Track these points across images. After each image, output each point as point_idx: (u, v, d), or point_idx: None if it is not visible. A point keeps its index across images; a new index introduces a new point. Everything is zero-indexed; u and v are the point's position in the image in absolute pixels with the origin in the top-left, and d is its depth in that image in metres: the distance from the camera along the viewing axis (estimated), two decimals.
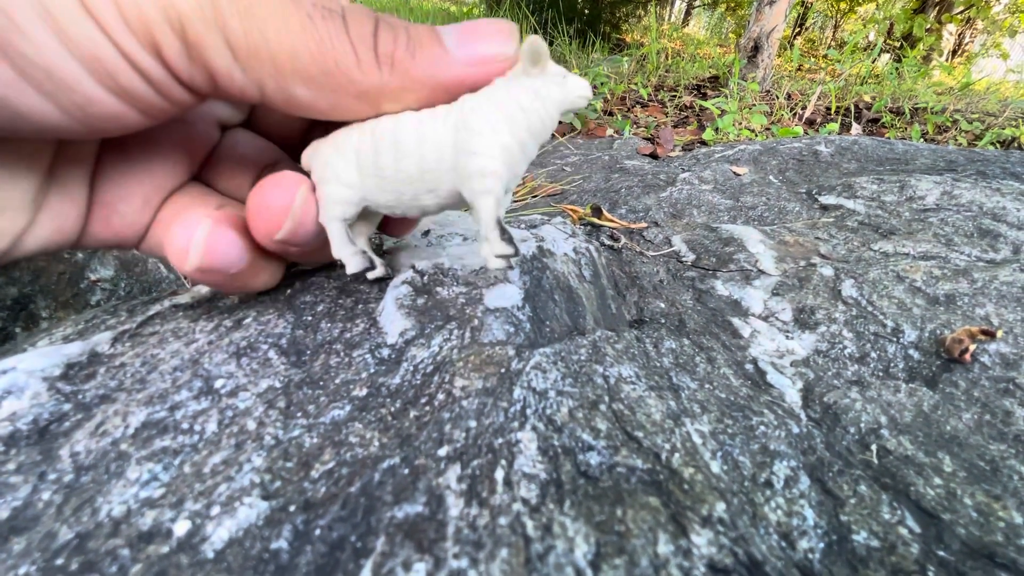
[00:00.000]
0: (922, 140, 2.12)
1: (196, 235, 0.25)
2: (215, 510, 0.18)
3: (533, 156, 0.26)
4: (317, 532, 0.17)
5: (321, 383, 0.25)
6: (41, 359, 0.27)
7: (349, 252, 0.28)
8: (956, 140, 2.12)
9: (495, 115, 0.24)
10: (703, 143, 1.76)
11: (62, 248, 0.27)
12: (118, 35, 0.20)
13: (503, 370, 0.24)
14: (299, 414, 0.23)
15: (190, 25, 0.20)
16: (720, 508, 0.20)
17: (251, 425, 0.22)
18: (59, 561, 0.18)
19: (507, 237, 0.25)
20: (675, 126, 2.08)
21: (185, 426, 0.23)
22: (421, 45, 0.24)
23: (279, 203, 0.26)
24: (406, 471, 0.19)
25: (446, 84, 0.24)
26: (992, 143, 2.04)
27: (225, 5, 0.20)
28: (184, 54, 0.21)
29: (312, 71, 0.22)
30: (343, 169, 0.26)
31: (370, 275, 0.30)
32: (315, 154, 0.27)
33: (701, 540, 0.18)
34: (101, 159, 0.27)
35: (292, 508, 0.18)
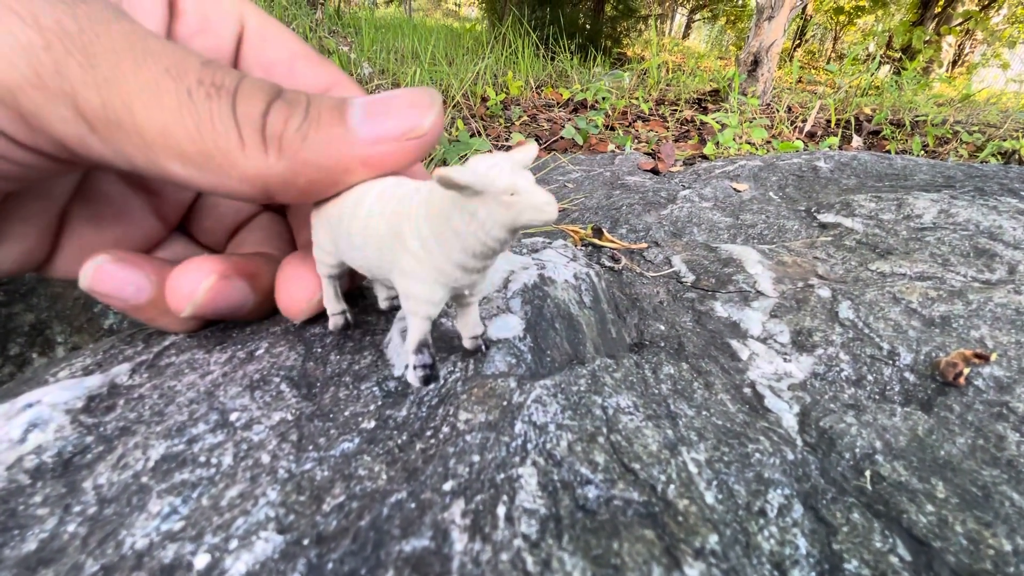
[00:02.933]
0: (923, 153, 2.13)
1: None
2: (233, 544, 0.19)
3: (492, 262, 0.23)
4: (330, 566, 0.18)
5: (331, 416, 0.26)
6: (64, 392, 0.29)
7: (331, 310, 0.30)
8: (957, 152, 2.13)
9: (427, 231, 0.22)
10: (704, 157, 1.78)
11: (21, 272, 0.30)
12: None
13: (505, 403, 0.26)
14: (310, 447, 0.24)
15: (22, 94, 0.19)
16: (713, 540, 0.21)
17: (265, 458, 0.24)
18: None
19: (421, 364, 0.25)
20: (676, 140, 2.11)
21: (202, 459, 0.24)
22: (318, 125, 0.22)
23: (183, 290, 0.28)
24: (413, 505, 0.20)
25: (346, 166, 0.23)
26: (993, 155, 2.05)
27: (76, 75, 0.19)
28: (18, 122, 0.20)
29: (188, 151, 0.21)
30: (322, 235, 0.27)
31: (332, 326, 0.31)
32: (314, 213, 0.28)
33: (694, 572, 0.19)
34: (72, 203, 0.30)
35: (306, 542, 0.19)
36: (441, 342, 0.30)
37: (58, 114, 0.20)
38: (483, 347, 0.29)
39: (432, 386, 0.27)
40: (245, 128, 0.21)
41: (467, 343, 0.29)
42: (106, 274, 0.27)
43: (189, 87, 0.20)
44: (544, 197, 0.19)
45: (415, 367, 0.26)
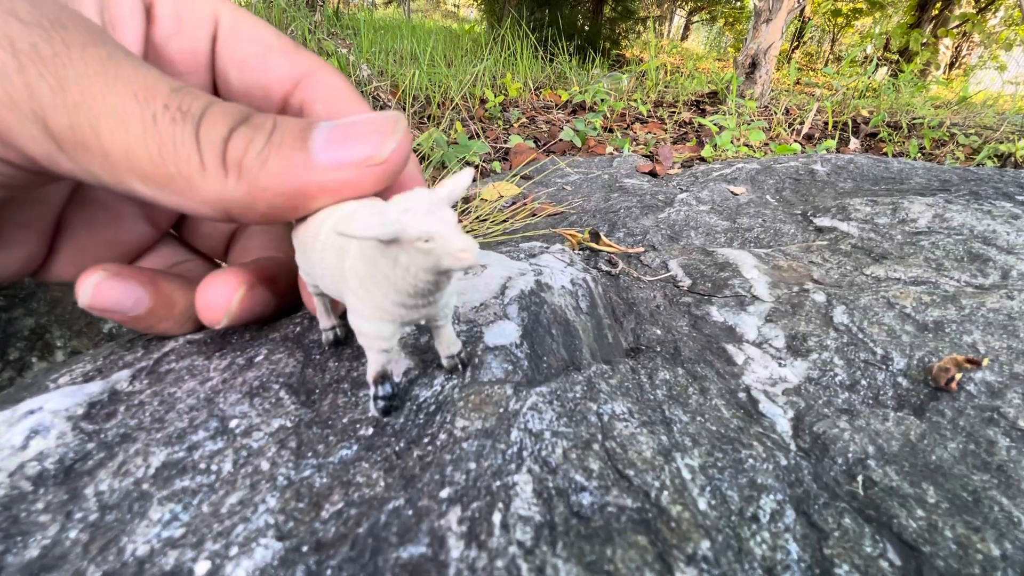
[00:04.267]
0: (920, 155, 2.14)
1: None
2: (233, 551, 0.20)
3: (436, 299, 0.23)
4: (328, 572, 0.19)
5: (330, 422, 0.26)
6: (65, 399, 0.29)
7: (322, 325, 0.31)
8: (953, 154, 2.14)
9: (363, 270, 0.21)
10: (702, 159, 1.78)
11: (21, 276, 0.31)
12: None
13: (501, 410, 0.26)
14: (309, 454, 0.25)
15: None
16: (705, 546, 0.21)
17: (265, 465, 0.24)
18: None
19: (382, 396, 0.25)
20: (674, 142, 2.11)
21: (203, 466, 0.24)
22: (279, 149, 0.22)
23: (217, 303, 0.29)
24: (410, 512, 0.21)
25: (304, 191, 0.23)
26: (989, 157, 2.06)
27: (47, 98, 0.20)
28: None
29: (151, 173, 0.21)
30: (298, 256, 0.27)
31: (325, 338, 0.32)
32: (293, 233, 0.28)
33: None
34: (67, 209, 0.31)
35: (305, 549, 0.20)
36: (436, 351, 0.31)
37: (27, 132, 0.21)
38: (460, 366, 0.29)
39: (392, 417, 0.27)
40: (206, 153, 0.22)
41: (444, 362, 0.28)
42: (105, 290, 0.28)
43: (155, 112, 0.21)
44: (461, 243, 0.18)
45: (375, 398, 0.25)
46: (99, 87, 0.21)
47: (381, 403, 0.26)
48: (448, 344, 0.28)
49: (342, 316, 0.31)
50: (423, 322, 0.25)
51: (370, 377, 0.25)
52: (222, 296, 0.29)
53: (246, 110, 0.23)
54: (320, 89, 0.31)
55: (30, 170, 0.23)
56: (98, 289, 0.28)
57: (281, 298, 0.33)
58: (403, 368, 0.29)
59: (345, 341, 0.32)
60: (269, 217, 0.24)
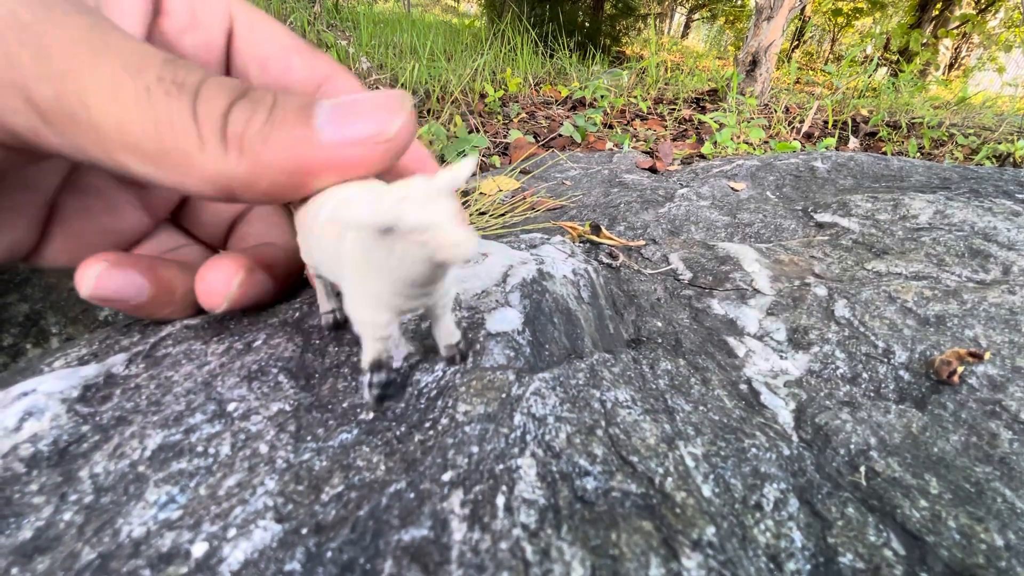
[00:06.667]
0: (919, 155, 2.14)
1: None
2: (231, 532, 0.19)
3: (434, 289, 0.23)
4: (328, 554, 0.18)
5: (329, 406, 0.26)
6: (59, 381, 0.28)
7: (322, 308, 0.31)
8: (952, 154, 2.14)
9: (360, 259, 0.21)
10: (702, 157, 1.78)
11: (10, 261, 0.30)
12: None
13: (504, 395, 0.26)
14: (309, 437, 0.24)
15: None
16: (710, 532, 0.21)
17: (263, 448, 0.24)
18: None
19: (375, 384, 0.24)
20: (674, 139, 2.11)
21: (200, 449, 0.24)
22: (281, 125, 0.21)
23: (217, 287, 0.29)
24: (412, 495, 0.20)
25: (308, 169, 0.22)
26: (988, 157, 2.06)
27: (29, 67, 0.19)
28: None
29: (146, 148, 0.20)
30: (299, 238, 0.27)
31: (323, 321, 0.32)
32: (295, 213, 0.27)
33: (691, 563, 0.19)
34: (61, 195, 0.31)
35: (304, 531, 0.19)
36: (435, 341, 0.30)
37: (8, 104, 0.20)
38: (458, 357, 0.28)
39: (392, 401, 0.26)
40: (205, 127, 0.20)
41: (443, 351, 0.28)
42: (108, 280, 0.28)
43: (148, 84, 0.20)
44: (458, 235, 0.17)
45: (369, 385, 0.25)
46: (86, 56, 0.19)
47: (375, 391, 0.25)
48: (447, 334, 0.27)
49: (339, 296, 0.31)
50: (421, 311, 0.24)
51: (365, 364, 0.24)
52: (222, 280, 0.29)
53: (244, 84, 0.22)
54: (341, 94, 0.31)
55: (14, 147, 0.22)
56: (100, 279, 0.28)
57: (280, 283, 0.33)
58: (403, 354, 0.29)
59: (345, 324, 0.31)
60: (270, 196, 0.23)
